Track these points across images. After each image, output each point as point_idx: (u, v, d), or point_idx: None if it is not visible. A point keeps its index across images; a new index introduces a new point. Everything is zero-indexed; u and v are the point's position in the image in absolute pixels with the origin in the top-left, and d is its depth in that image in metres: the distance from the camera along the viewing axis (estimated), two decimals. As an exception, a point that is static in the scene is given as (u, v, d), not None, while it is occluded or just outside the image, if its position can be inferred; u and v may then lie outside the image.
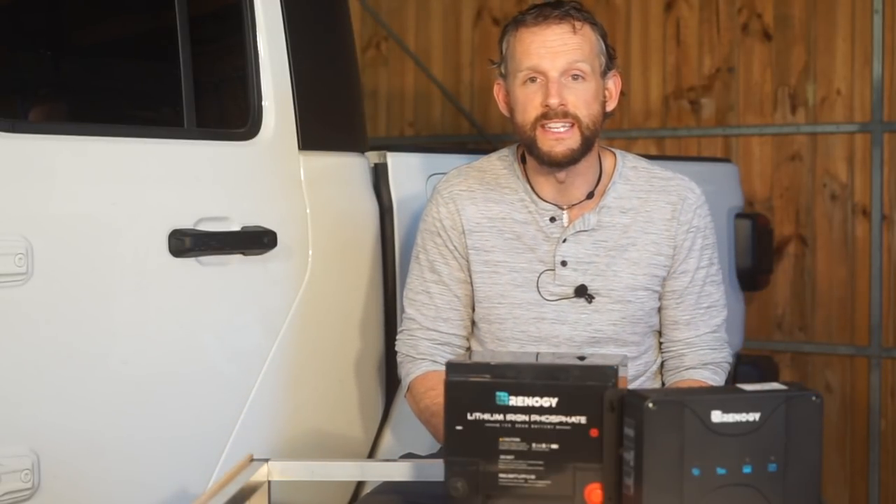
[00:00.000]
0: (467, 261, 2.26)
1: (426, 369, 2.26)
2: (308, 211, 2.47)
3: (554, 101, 2.12)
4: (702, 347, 2.27)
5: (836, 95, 4.23)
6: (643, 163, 2.31)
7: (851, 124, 4.19)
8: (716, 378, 2.26)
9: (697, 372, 2.26)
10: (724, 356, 2.30)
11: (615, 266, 2.22)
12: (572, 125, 2.14)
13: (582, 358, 1.69)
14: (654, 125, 4.56)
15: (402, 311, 2.35)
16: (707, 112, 4.47)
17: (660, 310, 2.28)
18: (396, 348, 2.34)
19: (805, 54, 4.28)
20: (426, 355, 2.27)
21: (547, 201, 2.23)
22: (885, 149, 4.13)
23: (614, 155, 2.29)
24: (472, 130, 4.89)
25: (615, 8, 4.57)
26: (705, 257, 2.28)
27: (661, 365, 2.33)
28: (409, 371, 2.28)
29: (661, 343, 2.32)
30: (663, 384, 2.31)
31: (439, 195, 2.30)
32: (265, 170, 2.43)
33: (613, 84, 2.23)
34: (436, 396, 2.16)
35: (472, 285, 2.26)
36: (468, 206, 2.27)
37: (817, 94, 4.26)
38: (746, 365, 3.90)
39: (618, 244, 2.22)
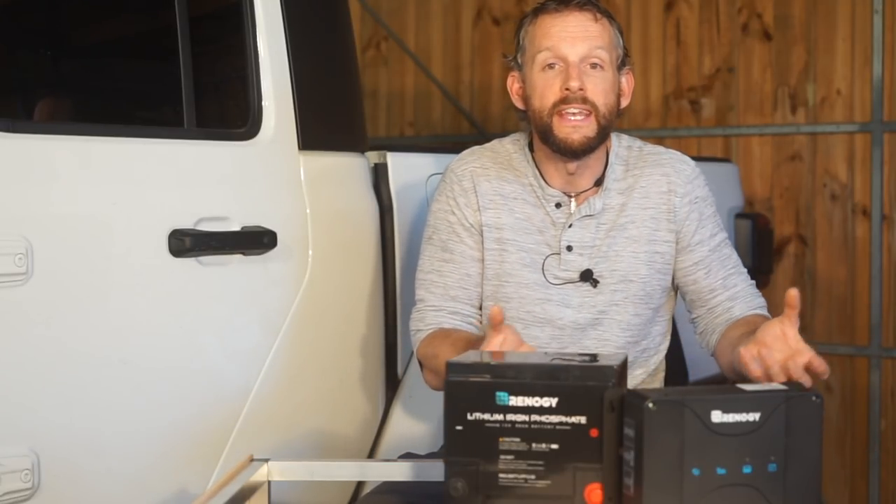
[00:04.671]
0: (482, 237, 2.25)
1: (431, 331, 2.22)
2: (308, 211, 2.47)
3: (574, 84, 2.12)
4: (746, 297, 2.25)
5: (836, 95, 4.23)
6: (637, 142, 2.32)
7: (851, 124, 4.19)
8: (768, 317, 2.21)
9: (751, 312, 2.22)
10: (765, 302, 2.28)
11: (616, 246, 2.22)
12: (589, 113, 2.14)
13: (591, 357, 1.68)
14: (654, 125, 4.56)
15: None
16: (707, 112, 4.47)
17: (689, 287, 2.26)
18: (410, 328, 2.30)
19: (805, 54, 4.28)
20: (432, 324, 2.23)
21: (554, 188, 2.24)
22: (885, 149, 4.12)
23: (610, 137, 2.29)
24: (472, 130, 4.88)
25: (615, 8, 4.56)
26: (716, 225, 2.30)
27: (703, 331, 2.27)
28: (417, 342, 2.25)
29: (701, 316, 2.27)
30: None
31: (453, 173, 2.29)
32: (265, 170, 2.43)
33: (627, 81, 2.24)
34: (438, 346, 2.14)
35: (483, 262, 2.25)
36: (482, 182, 2.26)
37: (817, 94, 4.26)
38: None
39: (616, 224, 2.23)
